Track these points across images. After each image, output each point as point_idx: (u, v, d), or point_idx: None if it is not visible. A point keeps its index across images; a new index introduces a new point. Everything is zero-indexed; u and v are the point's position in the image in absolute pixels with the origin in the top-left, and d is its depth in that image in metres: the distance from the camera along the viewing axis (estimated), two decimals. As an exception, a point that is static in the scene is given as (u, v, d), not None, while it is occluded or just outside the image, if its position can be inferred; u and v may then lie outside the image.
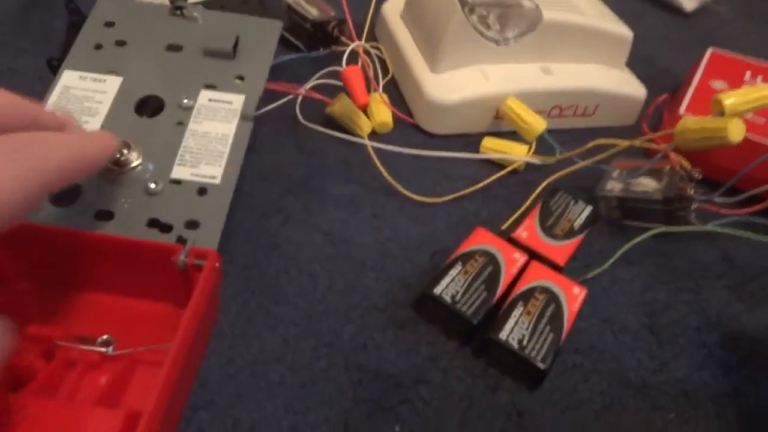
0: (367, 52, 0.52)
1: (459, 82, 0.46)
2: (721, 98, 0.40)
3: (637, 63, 0.61)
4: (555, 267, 0.37)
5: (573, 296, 0.34)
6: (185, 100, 0.37)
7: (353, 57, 0.49)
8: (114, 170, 0.33)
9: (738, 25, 0.70)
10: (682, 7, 0.70)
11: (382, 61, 0.54)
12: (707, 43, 0.67)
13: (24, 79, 0.47)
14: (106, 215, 0.32)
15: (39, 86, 0.46)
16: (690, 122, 0.37)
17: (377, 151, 0.42)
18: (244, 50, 0.40)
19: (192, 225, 0.32)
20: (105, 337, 0.30)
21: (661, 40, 0.66)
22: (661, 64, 0.62)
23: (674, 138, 0.38)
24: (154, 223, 0.32)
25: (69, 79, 0.37)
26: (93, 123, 0.35)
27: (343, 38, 0.52)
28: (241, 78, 0.38)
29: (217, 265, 0.30)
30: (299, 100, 0.46)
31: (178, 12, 0.40)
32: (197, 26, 0.40)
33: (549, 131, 0.47)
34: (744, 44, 0.67)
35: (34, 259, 0.31)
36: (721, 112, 0.40)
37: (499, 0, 0.46)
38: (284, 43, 0.53)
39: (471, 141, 0.47)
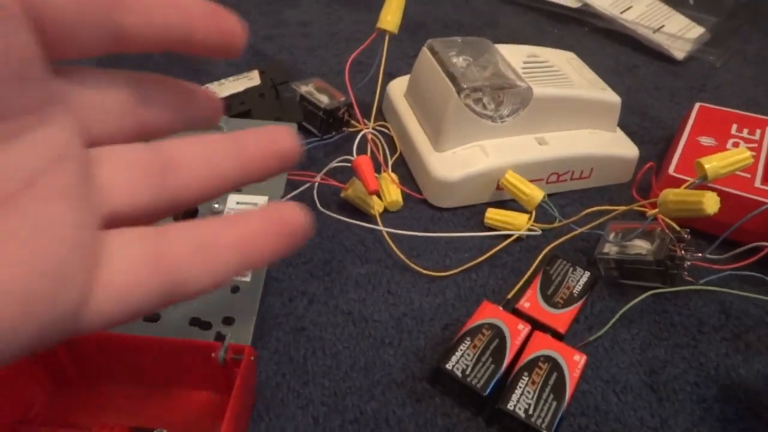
0: (375, 135, 0.56)
1: (461, 160, 0.50)
2: (703, 162, 0.44)
3: (632, 115, 0.65)
4: (557, 335, 0.40)
5: (574, 363, 0.38)
6: (216, 205, 0.41)
7: (364, 139, 0.54)
8: (158, 275, 0.38)
9: (726, 70, 0.73)
10: (672, 56, 0.73)
11: (391, 138, 0.58)
12: (698, 90, 0.70)
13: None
14: (153, 317, 0.37)
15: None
16: (671, 195, 0.40)
17: (390, 228, 0.46)
18: (265, 153, 0.44)
19: (228, 321, 0.37)
20: (159, 430, 0.34)
21: (653, 90, 0.69)
22: (654, 114, 0.65)
23: (658, 208, 0.41)
24: (195, 322, 0.37)
25: (114, 192, 0.42)
26: (137, 232, 0.40)
27: (353, 121, 0.57)
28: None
29: (252, 358, 0.35)
30: (316, 186, 0.50)
31: (205, 122, 0.45)
32: (222, 134, 0.45)
33: (549, 196, 0.50)
34: (734, 89, 0.71)
35: (95, 362, 0.36)
36: (704, 176, 0.43)
37: (491, 82, 0.50)
38: (301, 130, 0.58)
39: (476, 211, 0.51)
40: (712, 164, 0.43)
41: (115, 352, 0.36)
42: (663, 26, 0.76)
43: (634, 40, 0.76)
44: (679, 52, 0.73)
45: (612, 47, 0.77)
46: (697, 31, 0.77)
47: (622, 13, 0.78)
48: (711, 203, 0.38)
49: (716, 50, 0.73)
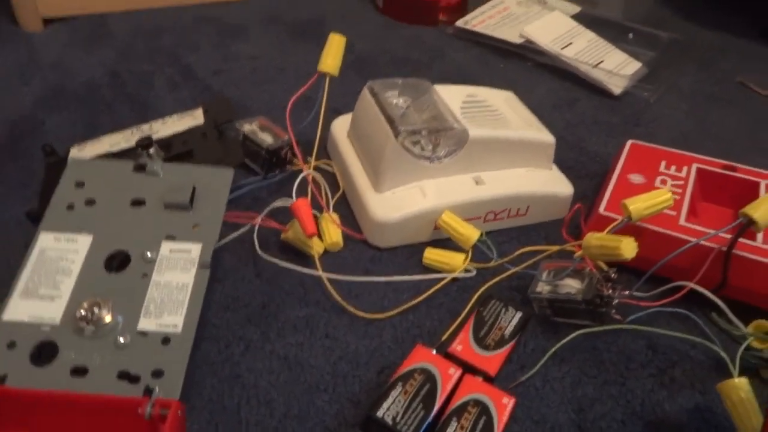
0: (316, 176, 0.57)
1: (400, 201, 0.51)
2: (627, 204, 0.45)
3: (570, 150, 0.67)
4: (487, 377, 0.41)
5: (502, 406, 0.39)
6: (149, 254, 0.41)
7: (305, 180, 0.55)
8: (87, 328, 0.38)
9: (661, 104, 0.77)
10: (611, 90, 0.76)
11: (334, 176, 0.59)
12: (633, 124, 0.73)
13: (4, 229, 0.51)
14: (81, 371, 0.37)
15: (19, 234, 0.50)
16: (593, 240, 0.42)
17: (329, 268, 0.47)
18: (200, 198, 0.45)
19: (157, 374, 0.37)
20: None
21: (592, 125, 0.72)
22: (591, 149, 0.68)
23: (583, 251, 0.43)
24: (123, 375, 0.37)
25: (45, 240, 0.42)
26: (67, 282, 0.40)
27: (295, 160, 0.58)
28: (198, 225, 0.43)
29: (180, 412, 0.34)
30: (257, 227, 0.50)
31: (141, 169, 0.45)
32: (158, 180, 0.45)
33: (487, 233, 0.52)
34: (668, 122, 0.74)
35: (19, 418, 0.35)
36: (629, 216, 0.45)
37: (429, 124, 0.52)
38: (245, 168, 0.58)
39: (416, 250, 0.52)
40: (636, 206, 0.45)
41: (40, 408, 0.35)
42: (602, 62, 0.79)
43: (575, 75, 0.79)
44: (616, 87, 0.76)
45: (554, 82, 0.79)
46: (633, 66, 0.80)
47: (563, 48, 0.80)
48: (628, 249, 0.40)
49: (651, 86, 0.77)
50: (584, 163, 0.66)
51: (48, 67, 0.76)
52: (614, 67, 0.79)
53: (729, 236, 0.47)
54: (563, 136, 0.69)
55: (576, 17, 0.89)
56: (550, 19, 0.87)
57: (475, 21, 0.87)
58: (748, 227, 0.45)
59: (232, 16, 0.88)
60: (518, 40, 0.82)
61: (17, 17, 0.82)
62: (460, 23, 0.87)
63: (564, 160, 0.64)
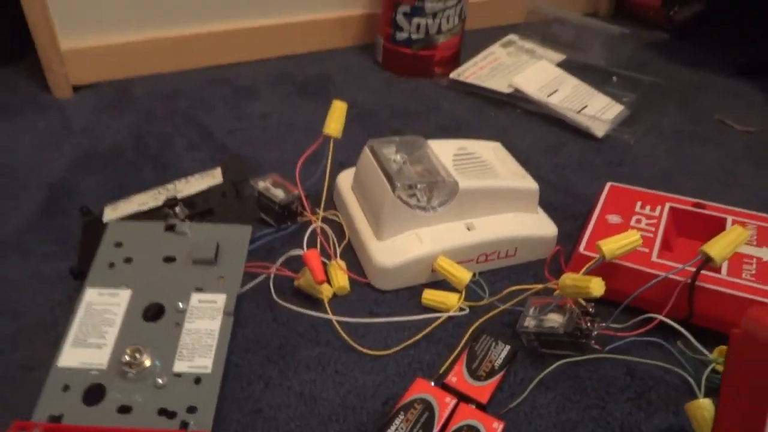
0: (324, 228, 0.63)
1: (399, 247, 0.57)
2: (601, 245, 0.51)
3: (557, 193, 0.73)
4: (480, 405, 0.46)
5: (492, 430, 0.44)
6: (180, 305, 0.47)
7: (315, 231, 0.61)
8: (130, 372, 0.44)
9: (643, 144, 0.83)
10: (594, 133, 0.83)
11: (341, 225, 0.65)
12: (617, 165, 0.79)
13: (48, 284, 0.58)
14: (126, 409, 0.43)
15: (60, 286, 0.57)
16: (568, 279, 0.48)
17: (338, 310, 0.53)
18: (223, 253, 0.51)
19: (191, 410, 0.42)
20: None
21: (577, 168, 0.78)
22: (576, 191, 0.74)
23: (559, 290, 0.49)
24: (162, 412, 0.42)
25: (90, 295, 0.48)
26: (111, 332, 0.46)
27: (306, 213, 0.64)
28: (222, 278, 0.49)
29: (211, 443, 0.40)
30: (272, 276, 0.57)
31: (171, 229, 0.52)
32: (186, 238, 0.52)
33: (480, 273, 0.57)
34: (649, 161, 0.80)
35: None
36: (603, 256, 0.51)
37: (423, 178, 0.58)
38: (260, 221, 0.65)
39: (415, 292, 0.58)
40: (608, 246, 0.51)
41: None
42: (586, 107, 0.86)
43: (561, 120, 0.85)
44: (599, 131, 0.82)
45: (542, 128, 0.86)
46: (615, 110, 0.86)
47: (549, 96, 0.87)
48: (597, 287, 0.46)
49: (631, 128, 0.83)
50: (569, 204, 0.71)
51: (78, 132, 0.83)
52: (597, 111, 0.85)
53: (694, 270, 0.52)
54: (550, 179, 0.75)
55: (562, 64, 0.96)
56: (538, 68, 0.94)
57: (468, 72, 0.95)
58: (707, 263, 0.50)
59: (243, 76, 0.96)
60: (508, 90, 0.89)
61: (49, 85, 0.90)
62: (453, 75, 0.94)
63: (551, 202, 0.70)
